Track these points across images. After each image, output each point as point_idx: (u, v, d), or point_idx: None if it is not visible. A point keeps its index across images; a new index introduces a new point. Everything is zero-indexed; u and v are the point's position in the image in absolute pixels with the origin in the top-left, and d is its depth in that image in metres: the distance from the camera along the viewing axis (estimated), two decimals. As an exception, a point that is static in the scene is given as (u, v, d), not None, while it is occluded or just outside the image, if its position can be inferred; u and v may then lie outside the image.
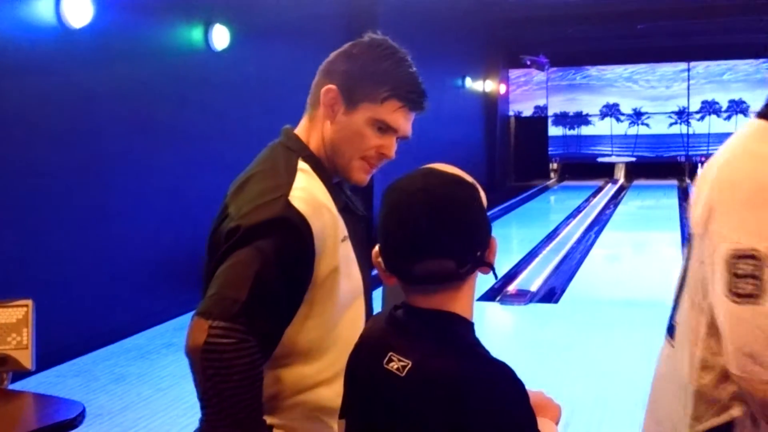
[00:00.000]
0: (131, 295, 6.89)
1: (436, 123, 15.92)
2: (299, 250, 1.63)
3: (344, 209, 1.81)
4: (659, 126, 23.35)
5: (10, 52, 5.81)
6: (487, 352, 1.49)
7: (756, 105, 21.37)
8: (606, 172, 23.31)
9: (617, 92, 23.60)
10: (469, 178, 1.54)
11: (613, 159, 23.69)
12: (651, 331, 6.90)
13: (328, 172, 1.81)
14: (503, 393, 1.43)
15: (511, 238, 12.84)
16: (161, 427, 4.82)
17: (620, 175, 23.15)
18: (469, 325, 1.53)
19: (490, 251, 1.53)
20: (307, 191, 1.70)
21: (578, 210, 16.32)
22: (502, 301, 8.04)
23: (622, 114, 23.59)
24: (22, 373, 2.95)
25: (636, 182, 22.29)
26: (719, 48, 21.86)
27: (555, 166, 24.16)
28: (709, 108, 22.99)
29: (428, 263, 1.45)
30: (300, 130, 1.86)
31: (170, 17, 7.53)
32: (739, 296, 1.57)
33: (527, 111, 24.13)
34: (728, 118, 22.85)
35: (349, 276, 1.75)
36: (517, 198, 18.49)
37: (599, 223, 14.45)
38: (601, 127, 23.76)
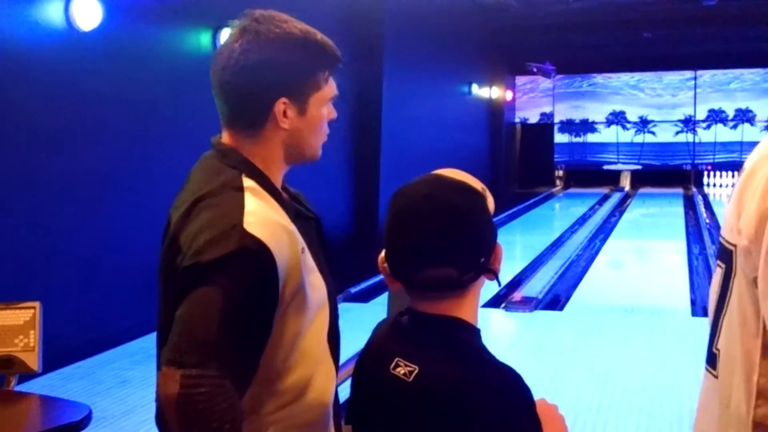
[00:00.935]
0: (136, 298, 6.89)
1: (441, 129, 15.94)
2: (263, 280, 1.54)
3: (297, 217, 1.72)
4: (665, 134, 23.33)
5: (19, 54, 5.83)
6: (493, 358, 1.50)
7: (762, 114, 21.42)
8: (611, 179, 23.30)
9: (623, 100, 23.60)
10: (476, 185, 1.55)
11: (618, 167, 23.68)
12: (655, 339, 6.92)
13: (273, 185, 1.71)
14: (510, 398, 1.43)
15: (515, 245, 12.83)
16: None
17: (626, 182, 23.13)
18: (475, 331, 1.54)
19: (496, 258, 1.54)
20: (260, 214, 1.60)
21: (583, 217, 16.31)
22: (507, 308, 8.04)
23: (628, 122, 23.59)
24: (27, 375, 2.96)
25: (641, 190, 22.26)
26: (726, 56, 21.84)
27: (560, 173, 24.16)
28: (716, 116, 22.98)
29: (431, 270, 1.46)
30: (235, 146, 1.72)
31: (179, 21, 7.55)
32: None
33: (533, 118, 24.14)
34: (734, 126, 22.84)
35: (313, 286, 1.67)
36: (522, 205, 18.47)
37: (604, 230, 14.43)
38: (606, 134, 23.76)
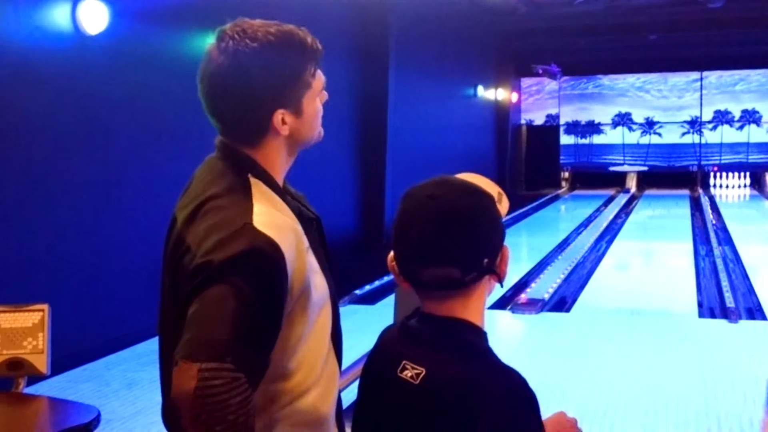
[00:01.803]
0: (144, 300, 6.89)
1: (447, 131, 15.94)
2: (274, 278, 1.56)
3: (299, 216, 1.73)
4: (671, 135, 23.30)
5: (26, 58, 5.86)
6: (499, 360, 1.51)
7: (768, 115, 21.19)
8: (617, 181, 23.26)
9: (629, 102, 23.58)
10: (490, 189, 1.57)
11: (624, 168, 23.66)
12: (661, 341, 6.92)
13: (278, 185, 1.74)
14: (515, 401, 1.44)
15: (521, 247, 12.83)
16: (172, 433, 4.83)
17: (632, 184, 23.10)
18: (481, 333, 1.55)
19: (502, 261, 1.55)
20: (269, 213, 1.62)
21: (589, 219, 16.28)
22: (513, 310, 8.04)
23: (634, 123, 23.56)
24: (35, 377, 2.97)
25: (648, 192, 22.23)
26: (732, 58, 21.83)
27: (566, 175, 24.13)
28: (722, 118, 22.94)
29: (433, 270, 1.49)
30: (238, 148, 1.74)
31: (184, 24, 7.57)
32: None
33: (539, 120, 24.12)
34: (741, 128, 22.81)
35: (316, 285, 1.69)
36: (528, 207, 18.46)
37: (610, 232, 14.41)
38: (612, 136, 23.74)
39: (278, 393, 1.66)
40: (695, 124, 23.12)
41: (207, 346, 1.46)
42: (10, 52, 5.73)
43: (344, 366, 1.84)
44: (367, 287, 8.94)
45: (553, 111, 24.01)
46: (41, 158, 5.98)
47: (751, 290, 9.01)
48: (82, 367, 6.05)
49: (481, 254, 1.50)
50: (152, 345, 6.64)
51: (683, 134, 23.24)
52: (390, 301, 6.56)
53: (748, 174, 22.81)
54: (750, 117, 22.72)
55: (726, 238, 13.07)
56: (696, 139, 23.15)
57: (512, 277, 9.22)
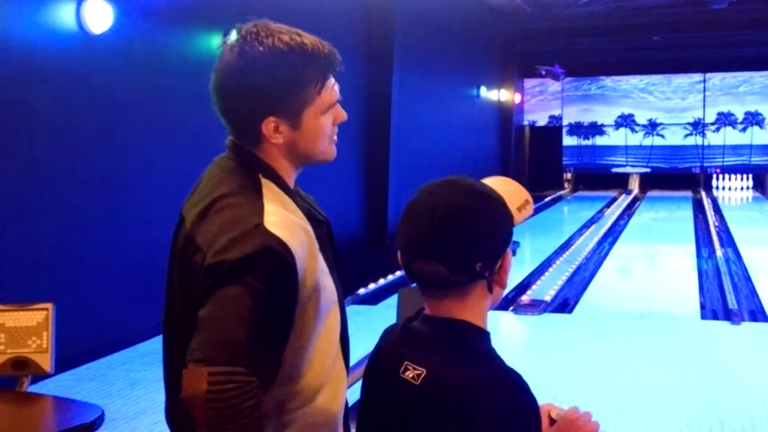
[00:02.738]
0: (147, 300, 6.91)
1: (450, 132, 15.95)
2: (286, 278, 1.56)
3: (309, 218, 1.72)
4: (674, 137, 23.29)
5: (31, 57, 5.87)
6: (500, 361, 1.51)
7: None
8: (620, 182, 23.27)
9: (632, 103, 23.57)
10: (513, 195, 1.59)
11: (627, 170, 23.65)
12: (664, 342, 6.92)
13: (288, 185, 1.73)
14: (512, 402, 1.44)
15: (524, 248, 12.82)
16: (175, 433, 4.83)
17: (634, 185, 23.10)
18: (482, 333, 1.55)
19: (502, 269, 1.55)
20: (280, 214, 1.62)
21: (592, 220, 16.28)
22: (516, 311, 8.04)
23: (637, 125, 23.55)
24: (39, 376, 2.98)
25: (650, 193, 22.22)
26: (735, 60, 21.82)
27: (569, 176, 24.14)
28: (725, 120, 22.93)
29: (421, 264, 1.49)
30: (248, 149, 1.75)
31: (189, 23, 7.58)
32: None
33: (542, 121, 24.12)
34: (744, 129, 22.79)
35: (325, 287, 1.69)
36: (531, 208, 18.41)
37: (613, 233, 14.41)
38: (615, 137, 23.73)
39: (289, 395, 1.66)
40: (698, 126, 23.10)
41: (221, 348, 1.46)
42: (15, 52, 5.74)
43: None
44: (371, 287, 8.95)
45: (556, 112, 24.00)
46: (46, 157, 5.99)
47: (753, 292, 9.01)
48: (85, 366, 6.06)
49: (473, 257, 1.49)
50: (155, 344, 6.67)
51: (686, 136, 23.22)
52: (392, 301, 6.57)
53: (750, 176, 22.80)
54: (753, 119, 22.70)
55: (728, 240, 13.07)
56: (699, 140, 23.13)
57: (515, 278, 9.23)
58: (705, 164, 23.04)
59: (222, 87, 1.69)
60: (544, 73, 21.32)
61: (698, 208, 18.36)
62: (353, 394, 1.74)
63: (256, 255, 1.53)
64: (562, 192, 23.00)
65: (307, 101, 1.68)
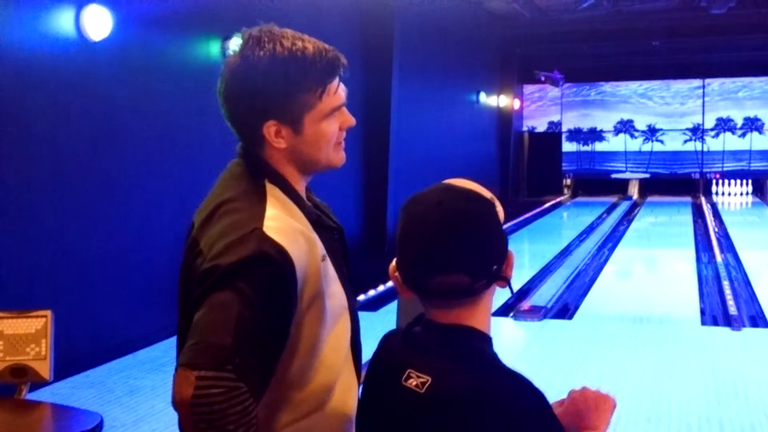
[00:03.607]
0: (146, 307, 6.92)
1: (450, 138, 15.95)
2: (281, 285, 1.54)
3: (317, 224, 1.71)
4: (674, 142, 23.30)
5: (30, 64, 5.87)
6: (506, 366, 1.50)
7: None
8: (620, 188, 23.28)
9: (631, 108, 23.58)
10: (486, 194, 1.56)
11: (626, 175, 23.65)
12: (664, 348, 6.91)
13: (296, 192, 1.72)
14: (524, 405, 1.44)
15: (524, 254, 12.82)
16: (174, 440, 4.82)
17: (634, 191, 23.11)
18: (487, 339, 1.55)
19: (508, 265, 1.54)
20: (281, 219, 1.61)
21: (591, 226, 16.28)
22: (516, 317, 8.03)
23: (637, 130, 23.56)
24: (38, 383, 2.97)
25: (650, 199, 22.23)
26: (734, 65, 21.83)
27: (568, 181, 24.14)
28: (724, 125, 22.94)
29: (443, 278, 1.46)
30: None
31: (188, 30, 7.59)
32: None
33: (541, 126, 24.13)
34: (743, 135, 22.81)
35: (333, 295, 1.67)
36: (530, 213, 18.46)
37: (613, 239, 14.41)
38: (615, 143, 23.74)
39: (291, 405, 1.65)
40: (697, 132, 23.11)
41: (208, 352, 1.44)
42: (13, 58, 5.74)
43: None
44: (371, 293, 8.94)
45: (556, 118, 24.01)
46: (44, 164, 5.98)
47: (753, 297, 9.00)
48: (84, 374, 6.04)
49: (490, 260, 1.49)
50: (154, 352, 6.67)
51: (685, 141, 23.23)
52: (392, 307, 6.56)
53: (750, 181, 22.81)
54: (752, 124, 22.71)
55: (728, 246, 13.06)
56: (698, 146, 23.14)
57: (515, 285, 9.15)
58: (704, 170, 23.05)
59: (225, 91, 1.70)
60: (543, 78, 21.33)
61: (698, 214, 18.37)
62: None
63: (250, 260, 1.52)
64: (561, 198, 23.01)
65: (307, 106, 1.68)
